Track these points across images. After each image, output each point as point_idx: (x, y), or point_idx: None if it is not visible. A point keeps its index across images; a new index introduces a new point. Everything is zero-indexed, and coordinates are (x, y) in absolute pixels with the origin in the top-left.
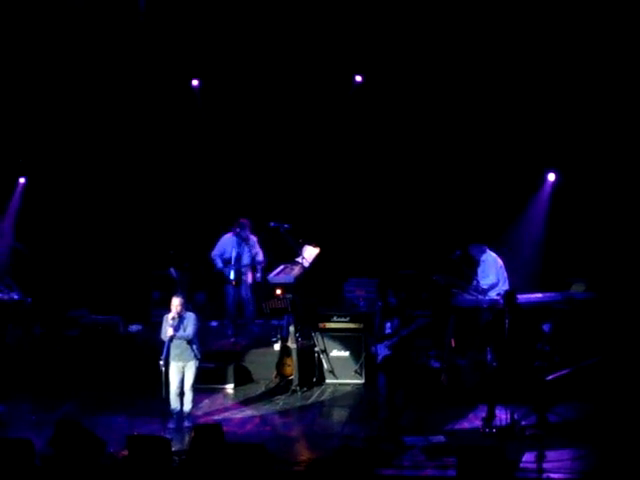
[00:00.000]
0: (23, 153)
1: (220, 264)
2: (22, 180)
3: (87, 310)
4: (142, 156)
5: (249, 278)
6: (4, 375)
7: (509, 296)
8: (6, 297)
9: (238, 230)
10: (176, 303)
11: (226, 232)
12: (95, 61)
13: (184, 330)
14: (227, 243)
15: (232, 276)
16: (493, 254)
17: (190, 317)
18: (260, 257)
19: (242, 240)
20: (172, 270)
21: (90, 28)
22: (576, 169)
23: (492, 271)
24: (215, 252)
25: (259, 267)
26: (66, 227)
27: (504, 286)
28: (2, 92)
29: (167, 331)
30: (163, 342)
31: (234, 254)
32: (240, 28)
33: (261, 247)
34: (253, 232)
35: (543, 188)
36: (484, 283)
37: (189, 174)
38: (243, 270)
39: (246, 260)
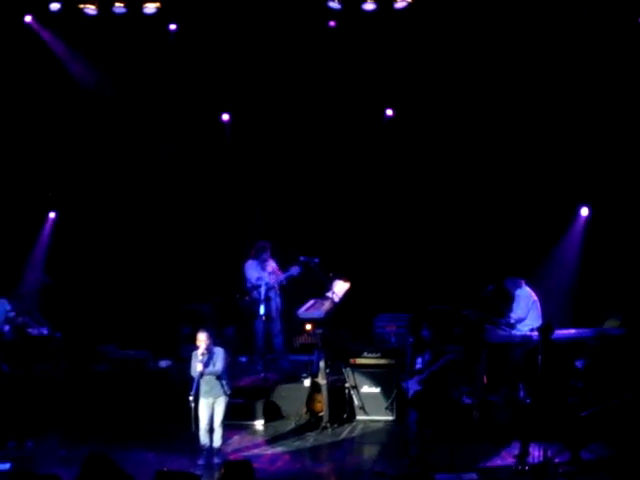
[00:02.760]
0: (53, 187)
1: (257, 295)
2: (52, 215)
3: (116, 345)
4: (172, 191)
5: (277, 302)
6: (33, 410)
7: (545, 330)
8: (35, 332)
9: (259, 253)
10: (202, 338)
11: (247, 259)
12: (126, 95)
13: (213, 365)
14: (251, 268)
15: (262, 311)
16: (528, 289)
17: (219, 352)
18: (282, 278)
19: (263, 262)
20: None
21: (122, 61)
22: (609, 203)
23: (522, 305)
24: (248, 284)
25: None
26: (96, 262)
27: (536, 322)
28: (33, 127)
29: (196, 367)
30: (193, 378)
31: (259, 280)
32: (271, 63)
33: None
34: (273, 256)
35: (576, 222)
36: (513, 316)
37: (219, 208)
38: (271, 295)
39: (271, 281)
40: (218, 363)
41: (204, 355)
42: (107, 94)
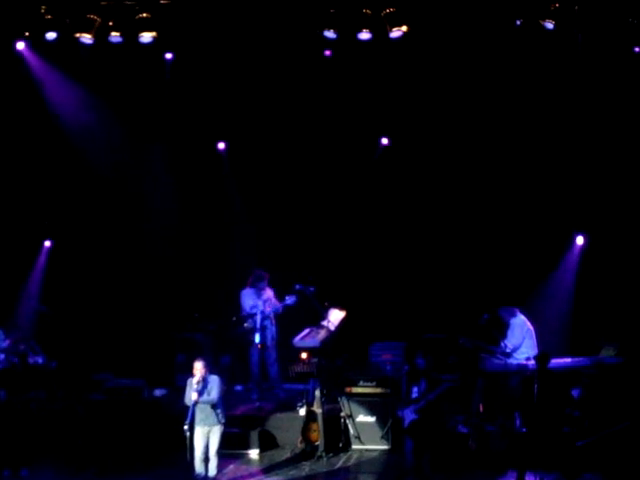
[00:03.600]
0: (49, 216)
1: (252, 323)
2: (47, 243)
3: (111, 374)
4: (168, 219)
5: (273, 330)
6: (28, 439)
7: (542, 359)
8: (31, 361)
9: (256, 282)
10: (199, 367)
11: (243, 287)
12: (122, 123)
13: (208, 394)
14: (247, 297)
15: (257, 339)
16: (523, 317)
17: (214, 380)
18: (279, 307)
19: (260, 291)
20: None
21: (117, 91)
22: (604, 232)
23: (517, 333)
24: (244, 312)
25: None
26: (91, 290)
27: (531, 350)
28: (28, 155)
29: (191, 396)
30: (188, 407)
31: (255, 308)
32: (266, 91)
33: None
34: (270, 285)
35: (572, 251)
36: (508, 345)
37: (215, 236)
38: (266, 324)
39: (267, 310)
40: (213, 392)
41: (199, 384)
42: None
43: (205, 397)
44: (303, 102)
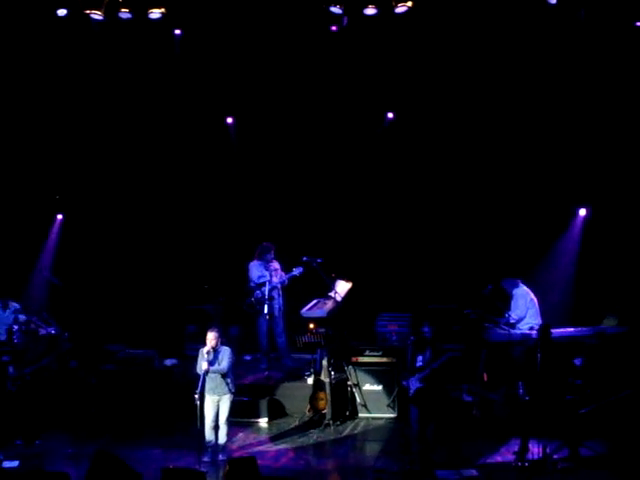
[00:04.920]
0: (60, 190)
1: (260, 294)
2: (59, 217)
3: (123, 344)
4: (177, 192)
5: (280, 302)
6: (41, 408)
7: (544, 330)
8: (44, 332)
9: (262, 254)
10: (211, 337)
11: (251, 259)
12: (133, 99)
13: (219, 364)
14: (255, 268)
15: (265, 310)
16: (525, 288)
17: (225, 351)
18: (285, 279)
19: (267, 263)
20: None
21: (128, 67)
22: (607, 204)
23: (520, 304)
24: (252, 283)
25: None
26: (102, 262)
27: (535, 320)
28: (40, 130)
29: (202, 365)
30: (198, 376)
31: (262, 278)
32: (274, 67)
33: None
34: (276, 257)
35: (574, 223)
36: (512, 316)
37: (223, 209)
38: (274, 295)
39: (274, 281)
40: (224, 361)
41: (210, 353)
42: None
43: (216, 367)
44: (310, 77)
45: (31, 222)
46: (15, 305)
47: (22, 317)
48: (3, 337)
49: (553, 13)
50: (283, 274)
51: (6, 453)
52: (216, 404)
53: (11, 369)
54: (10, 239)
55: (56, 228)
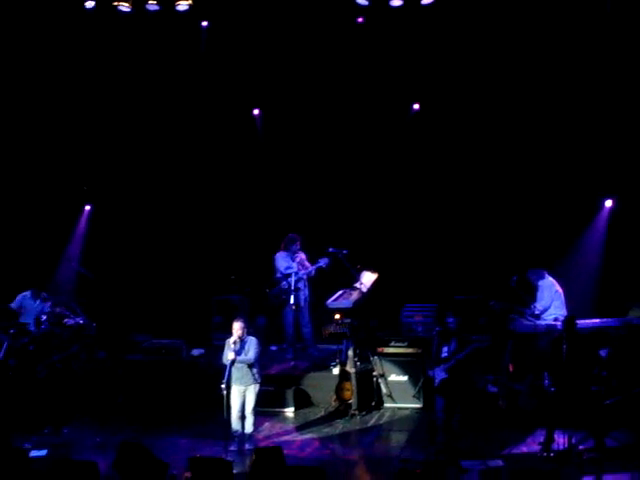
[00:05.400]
0: (88, 181)
1: (286, 284)
2: (87, 207)
3: (150, 334)
4: (205, 183)
5: (306, 293)
6: (69, 398)
7: (569, 322)
8: (72, 322)
9: (289, 245)
10: (237, 327)
11: (277, 250)
12: (160, 91)
13: (246, 354)
14: (281, 259)
15: (292, 300)
16: (551, 279)
17: (252, 341)
18: (311, 270)
19: (293, 254)
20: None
21: (155, 59)
22: (633, 195)
23: (545, 295)
24: (278, 274)
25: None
26: (130, 253)
27: (560, 311)
28: (69, 121)
29: (228, 355)
30: (224, 366)
31: (289, 269)
32: (300, 59)
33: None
34: (302, 249)
35: (600, 214)
36: (537, 307)
37: (250, 200)
38: (300, 286)
39: (301, 272)
40: (251, 352)
41: (236, 343)
42: None
43: (242, 357)
44: (336, 69)
45: (60, 213)
46: (44, 295)
47: (50, 307)
48: (31, 326)
49: (579, 3)
50: (309, 265)
51: (34, 442)
52: (242, 394)
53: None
54: (39, 230)
55: (84, 219)
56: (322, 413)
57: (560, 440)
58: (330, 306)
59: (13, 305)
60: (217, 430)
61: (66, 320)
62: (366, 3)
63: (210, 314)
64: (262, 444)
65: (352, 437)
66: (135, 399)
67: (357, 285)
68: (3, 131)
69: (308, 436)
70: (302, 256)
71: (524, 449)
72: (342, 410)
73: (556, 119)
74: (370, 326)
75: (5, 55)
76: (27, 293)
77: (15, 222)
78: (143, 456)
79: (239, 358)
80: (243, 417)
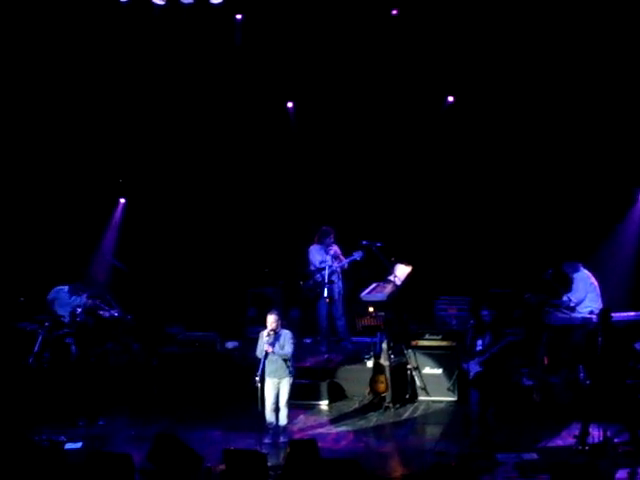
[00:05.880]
0: (123, 174)
1: (320, 277)
2: (122, 200)
3: (184, 327)
4: (239, 176)
5: (340, 285)
6: (104, 390)
7: (604, 314)
8: (107, 314)
9: (322, 238)
10: (271, 320)
11: (311, 243)
12: (195, 84)
13: (281, 348)
14: (315, 252)
15: (325, 293)
16: (586, 272)
17: (286, 334)
18: (345, 263)
19: (327, 247)
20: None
21: (190, 52)
22: None
23: (580, 288)
24: (312, 267)
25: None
26: (164, 246)
27: (595, 304)
28: (105, 115)
29: (265, 347)
30: (258, 359)
31: (323, 263)
32: (335, 51)
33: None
34: (336, 241)
35: (636, 205)
36: (572, 299)
37: (284, 193)
38: (334, 279)
39: (335, 265)
40: (287, 346)
41: (270, 336)
42: None
43: (279, 351)
44: (370, 61)
45: (95, 205)
46: (80, 286)
47: (85, 299)
48: (66, 318)
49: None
50: (343, 258)
51: (69, 434)
52: (276, 386)
53: (74, 349)
54: (74, 222)
55: (119, 211)
56: (356, 406)
57: (595, 433)
58: (364, 299)
59: (48, 297)
60: (251, 423)
61: (101, 312)
62: None
63: (244, 307)
64: (296, 437)
65: (386, 430)
66: (169, 391)
67: (391, 278)
68: (41, 125)
69: (342, 429)
70: (336, 249)
71: (559, 442)
72: (376, 403)
73: (590, 110)
74: (404, 319)
75: (42, 49)
76: (64, 287)
77: (51, 215)
78: (178, 448)
79: (276, 352)
80: (277, 410)
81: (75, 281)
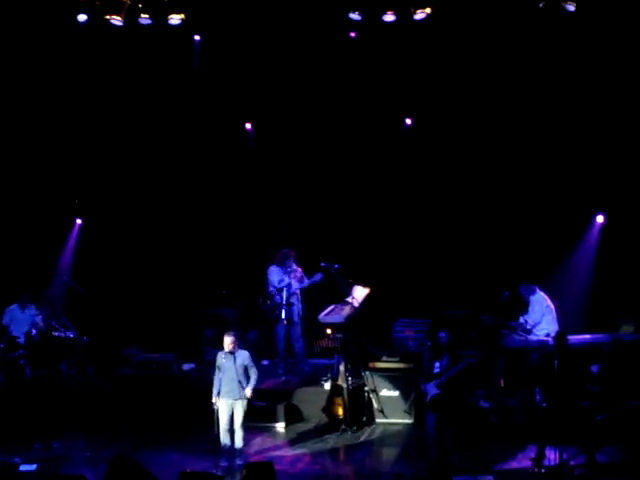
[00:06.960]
0: (79, 195)
1: (279, 298)
2: (79, 221)
3: (141, 349)
4: (196, 197)
5: (299, 307)
6: (59, 412)
7: (560, 337)
8: (63, 335)
9: (282, 260)
10: (228, 341)
11: (270, 264)
12: (152, 105)
13: (240, 367)
14: (274, 273)
15: (283, 315)
16: (543, 294)
17: (244, 354)
18: (305, 284)
19: (287, 270)
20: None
21: (147, 72)
22: (624, 211)
23: (537, 309)
24: (272, 288)
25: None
26: (121, 267)
27: (551, 326)
28: (60, 135)
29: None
30: (214, 381)
31: (282, 283)
32: (292, 73)
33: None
34: (296, 262)
35: (592, 229)
36: (528, 322)
37: (241, 214)
38: (293, 300)
39: (294, 287)
40: (252, 369)
41: (227, 357)
42: None
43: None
44: (328, 83)
45: (51, 226)
46: (33, 306)
47: (40, 321)
48: (21, 339)
49: (569, 20)
50: (305, 278)
51: (24, 456)
52: (230, 407)
53: (28, 370)
54: (30, 243)
55: (75, 232)
56: (313, 428)
57: (551, 456)
58: (322, 320)
59: (3, 321)
60: (208, 445)
61: (57, 333)
62: (359, 18)
63: (201, 328)
64: (253, 459)
65: (343, 452)
66: (126, 413)
67: (349, 300)
68: None
69: (299, 451)
70: (299, 271)
71: (515, 465)
72: (333, 425)
73: (547, 136)
74: (362, 341)
75: None
76: (14, 306)
77: (5, 236)
78: (134, 471)
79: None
80: (232, 431)
81: (21, 294)
